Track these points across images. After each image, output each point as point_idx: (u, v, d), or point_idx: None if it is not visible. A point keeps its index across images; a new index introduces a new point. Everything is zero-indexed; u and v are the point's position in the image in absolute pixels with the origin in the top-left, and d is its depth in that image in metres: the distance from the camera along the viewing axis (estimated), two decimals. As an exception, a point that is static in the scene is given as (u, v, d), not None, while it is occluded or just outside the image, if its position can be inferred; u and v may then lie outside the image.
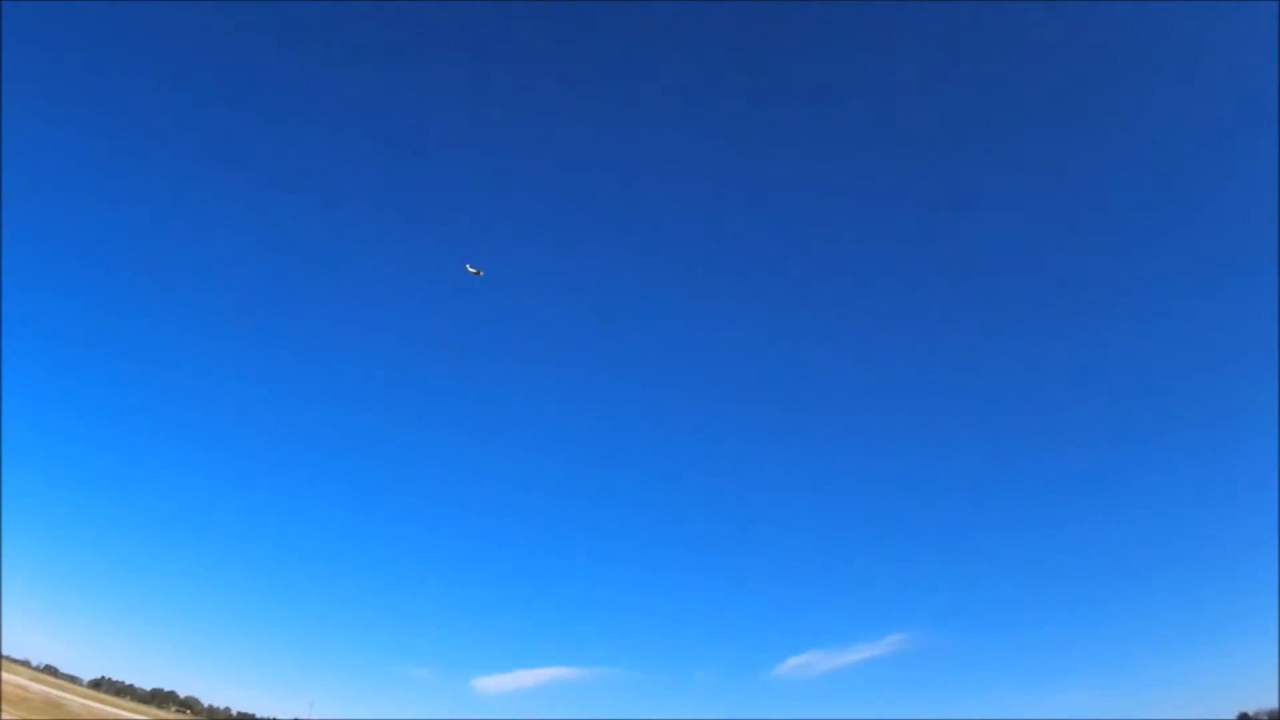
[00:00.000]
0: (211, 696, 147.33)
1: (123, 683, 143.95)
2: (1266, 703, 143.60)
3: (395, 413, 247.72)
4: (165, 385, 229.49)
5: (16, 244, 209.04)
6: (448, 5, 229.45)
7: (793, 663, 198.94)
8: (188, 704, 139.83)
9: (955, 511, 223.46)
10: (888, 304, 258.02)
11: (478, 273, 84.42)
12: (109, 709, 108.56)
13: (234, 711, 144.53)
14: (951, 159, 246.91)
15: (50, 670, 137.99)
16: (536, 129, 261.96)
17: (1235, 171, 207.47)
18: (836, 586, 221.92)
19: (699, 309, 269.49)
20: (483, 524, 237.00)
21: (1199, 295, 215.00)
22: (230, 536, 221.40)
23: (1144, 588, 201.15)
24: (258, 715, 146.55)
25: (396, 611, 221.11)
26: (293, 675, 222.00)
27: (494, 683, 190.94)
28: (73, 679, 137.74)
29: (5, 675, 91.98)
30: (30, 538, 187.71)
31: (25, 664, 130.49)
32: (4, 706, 70.42)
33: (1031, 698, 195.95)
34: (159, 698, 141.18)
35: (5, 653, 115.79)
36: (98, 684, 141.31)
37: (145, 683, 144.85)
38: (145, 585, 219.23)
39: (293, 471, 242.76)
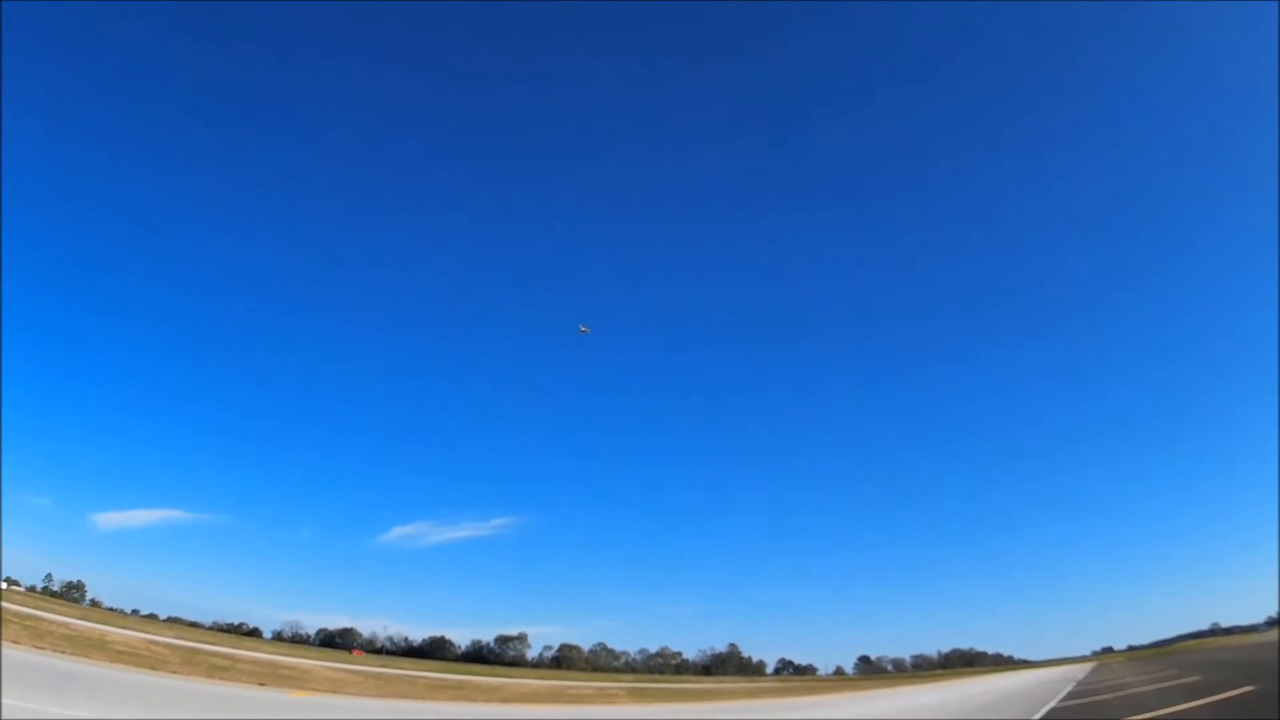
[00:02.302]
0: None
1: None
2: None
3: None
4: None
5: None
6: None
7: (399, 532, 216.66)
8: None
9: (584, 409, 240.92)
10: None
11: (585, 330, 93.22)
12: None
13: None
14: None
15: None
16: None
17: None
18: (451, 468, 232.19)
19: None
20: (108, 354, 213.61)
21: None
22: None
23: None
24: None
25: (20, 433, 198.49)
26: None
27: (113, 518, 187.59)
28: None
29: None
30: None
31: None
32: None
33: (645, 600, 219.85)
34: None
35: None
36: None
37: None
38: None
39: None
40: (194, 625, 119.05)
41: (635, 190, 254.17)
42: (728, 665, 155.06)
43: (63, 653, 21.42)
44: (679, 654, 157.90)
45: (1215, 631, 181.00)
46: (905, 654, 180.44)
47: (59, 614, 38.02)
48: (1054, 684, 40.40)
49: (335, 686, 26.79)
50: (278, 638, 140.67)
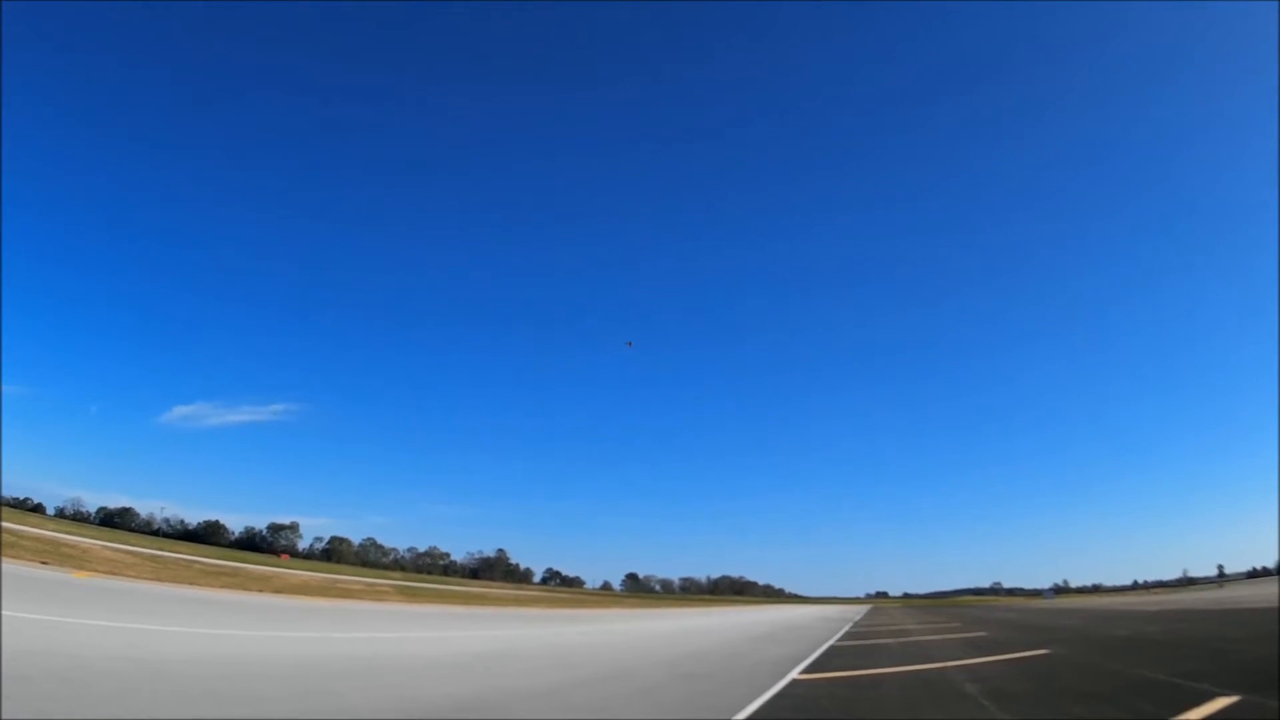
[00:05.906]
0: None
1: None
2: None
3: None
4: None
5: None
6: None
7: (180, 411, 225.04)
8: None
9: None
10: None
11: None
12: None
13: None
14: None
15: None
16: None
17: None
18: (233, 347, 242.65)
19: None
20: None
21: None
22: None
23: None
24: None
25: None
26: None
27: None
28: None
29: None
30: None
31: None
32: None
33: (416, 497, 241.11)
34: None
35: None
36: None
37: None
38: None
39: None
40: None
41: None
42: (495, 570, 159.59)
43: None
44: (447, 555, 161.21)
45: (996, 590, 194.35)
46: (674, 575, 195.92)
47: None
48: (832, 621, 40.19)
49: (114, 568, 29.08)
50: (60, 515, 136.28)
